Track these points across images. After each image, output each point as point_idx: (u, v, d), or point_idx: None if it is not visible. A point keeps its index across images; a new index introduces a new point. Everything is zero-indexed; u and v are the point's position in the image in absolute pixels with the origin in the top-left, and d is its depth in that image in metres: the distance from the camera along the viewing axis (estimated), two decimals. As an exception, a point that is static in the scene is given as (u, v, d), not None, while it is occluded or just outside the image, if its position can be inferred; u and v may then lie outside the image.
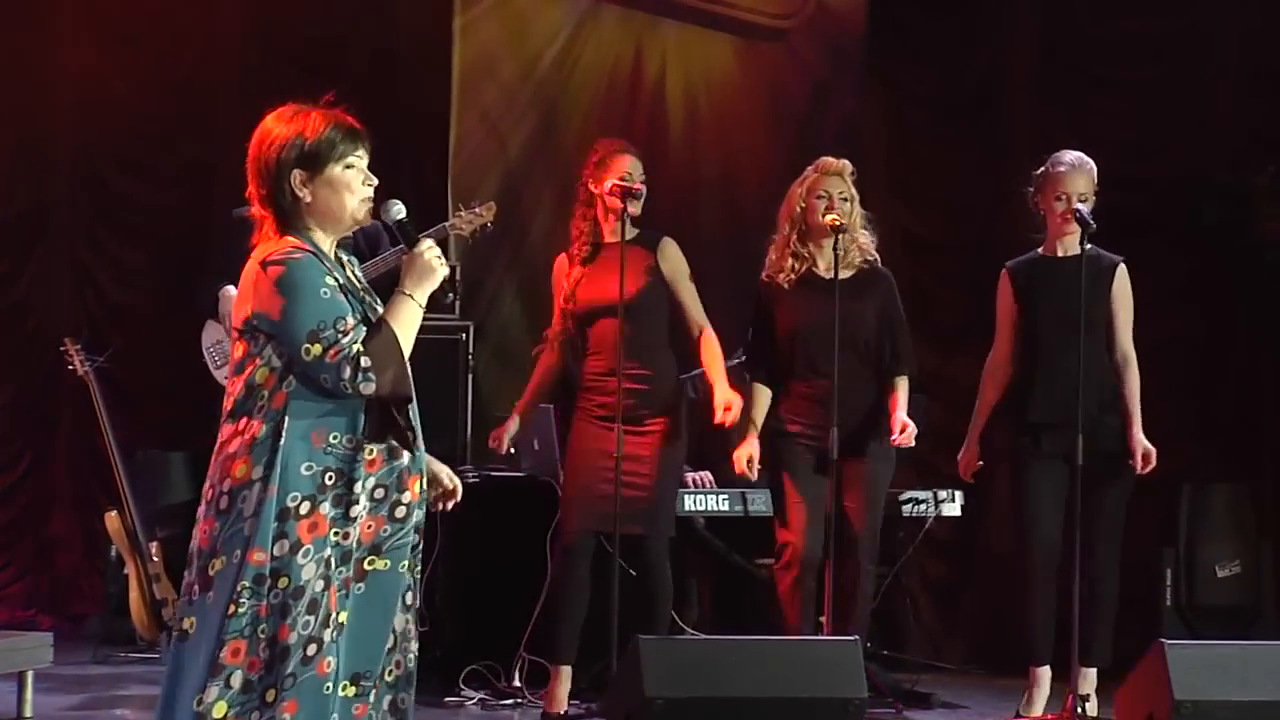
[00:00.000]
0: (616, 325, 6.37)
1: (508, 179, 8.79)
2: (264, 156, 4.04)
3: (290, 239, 3.99)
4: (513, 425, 6.66)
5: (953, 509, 7.40)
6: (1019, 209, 6.84)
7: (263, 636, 3.90)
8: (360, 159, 4.05)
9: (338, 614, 3.94)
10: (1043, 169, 6.63)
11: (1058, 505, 6.53)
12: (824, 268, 6.53)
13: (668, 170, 8.69)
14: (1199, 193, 8.52)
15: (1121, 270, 6.64)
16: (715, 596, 7.55)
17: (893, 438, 6.42)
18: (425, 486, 4.10)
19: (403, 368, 3.93)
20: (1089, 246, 6.47)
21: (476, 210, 6.96)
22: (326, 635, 3.92)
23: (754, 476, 6.47)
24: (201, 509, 3.97)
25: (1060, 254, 6.67)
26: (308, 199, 4.01)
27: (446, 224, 7.09)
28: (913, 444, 6.44)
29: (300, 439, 3.92)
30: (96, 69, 8.83)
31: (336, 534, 3.93)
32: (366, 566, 3.98)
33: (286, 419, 3.91)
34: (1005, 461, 6.67)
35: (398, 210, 4.08)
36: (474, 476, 7.49)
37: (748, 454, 6.44)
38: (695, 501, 7.09)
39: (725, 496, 7.10)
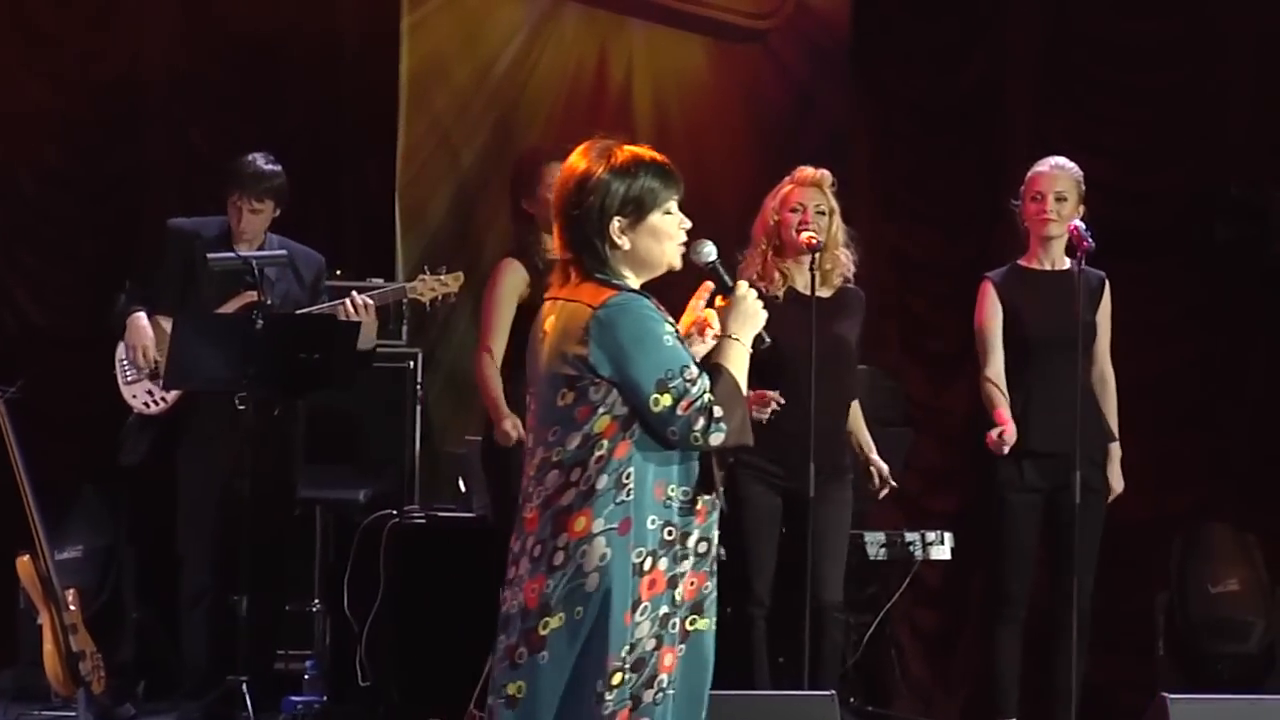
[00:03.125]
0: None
1: (460, 192, 8.75)
2: (579, 202, 4.12)
3: (618, 283, 4.10)
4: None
5: (942, 552, 7.41)
6: (1017, 225, 6.85)
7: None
8: (675, 202, 4.15)
9: (669, 678, 4.03)
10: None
11: (1034, 544, 6.61)
12: (803, 285, 6.51)
13: None
14: (1212, 207, 8.50)
15: (1107, 287, 6.75)
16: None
17: (881, 491, 6.54)
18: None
19: (745, 415, 4.03)
20: (1071, 262, 6.54)
21: (442, 278, 6.99)
22: (646, 695, 4.01)
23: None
24: (525, 566, 4.04)
25: (1048, 266, 6.70)
26: (626, 246, 4.10)
27: (405, 285, 7.08)
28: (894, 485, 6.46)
29: (646, 492, 4.01)
30: (13, 70, 8.76)
31: (674, 591, 4.04)
32: (689, 626, 4.08)
33: (632, 470, 4.00)
34: (984, 491, 6.71)
35: (709, 252, 4.17)
36: (420, 517, 7.47)
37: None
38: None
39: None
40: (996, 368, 6.69)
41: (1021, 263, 6.76)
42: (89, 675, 7.19)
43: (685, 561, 4.05)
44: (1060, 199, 6.63)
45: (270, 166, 7.22)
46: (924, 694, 8.43)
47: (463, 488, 7.54)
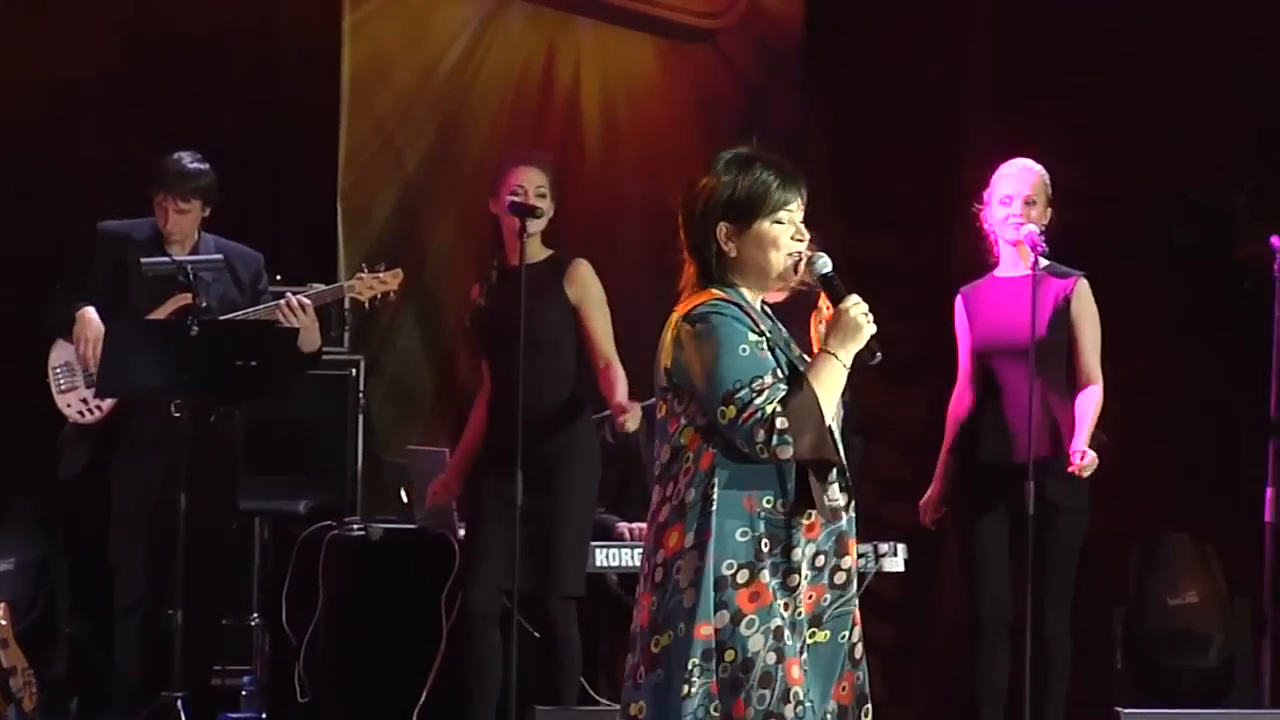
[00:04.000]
0: (517, 359, 6.39)
1: (405, 195, 8.71)
2: (691, 203, 4.17)
3: (714, 291, 4.12)
4: (454, 483, 6.74)
5: (895, 564, 7.29)
6: (976, 229, 6.84)
7: (716, 714, 4.04)
8: (792, 212, 4.16)
9: (804, 689, 4.06)
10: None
11: (1004, 558, 6.56)
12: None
13: (583, 187, 8.63)
14: (1171, 212, 8.54)
15: (1082, 286, 6.62)
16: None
17: None
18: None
19: (822, 431, 4.03)
20: (1046, 264, 6.49)
21: (380, 275, 7.00)
22: (787, 711, 4.05)
23: None
24: (641, 584, 4.15)
25: (1014, 273, 6.66)
26: (732, 253, 4.13)
27: (343, 284, 7.09)
28: None
29: (732, 503, 4.05)
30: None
31: (778, 603, 4.05)
32: (807, 639, 4.11)
33: (715, 482, 4.05)
34: (951, 508, 6.70)
35: (823, 264, 4.17)
36: (359, 529, 7.42)
37: None
38: (607, 557, 7.01)
39: (641, 551, 6.94)
40: (960, 391, 6.70)
41: (995, 272, 6.70)
42: (20, 692, 7.17)
43: (796, 576, 4.07)
44: (1029, 203, 6.58)
45: (196, 165, 7.15)
46: (879, 709, 8.30)
47: (404, 498, 7.51)
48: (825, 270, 4.18)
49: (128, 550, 7.14)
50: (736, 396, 4.02)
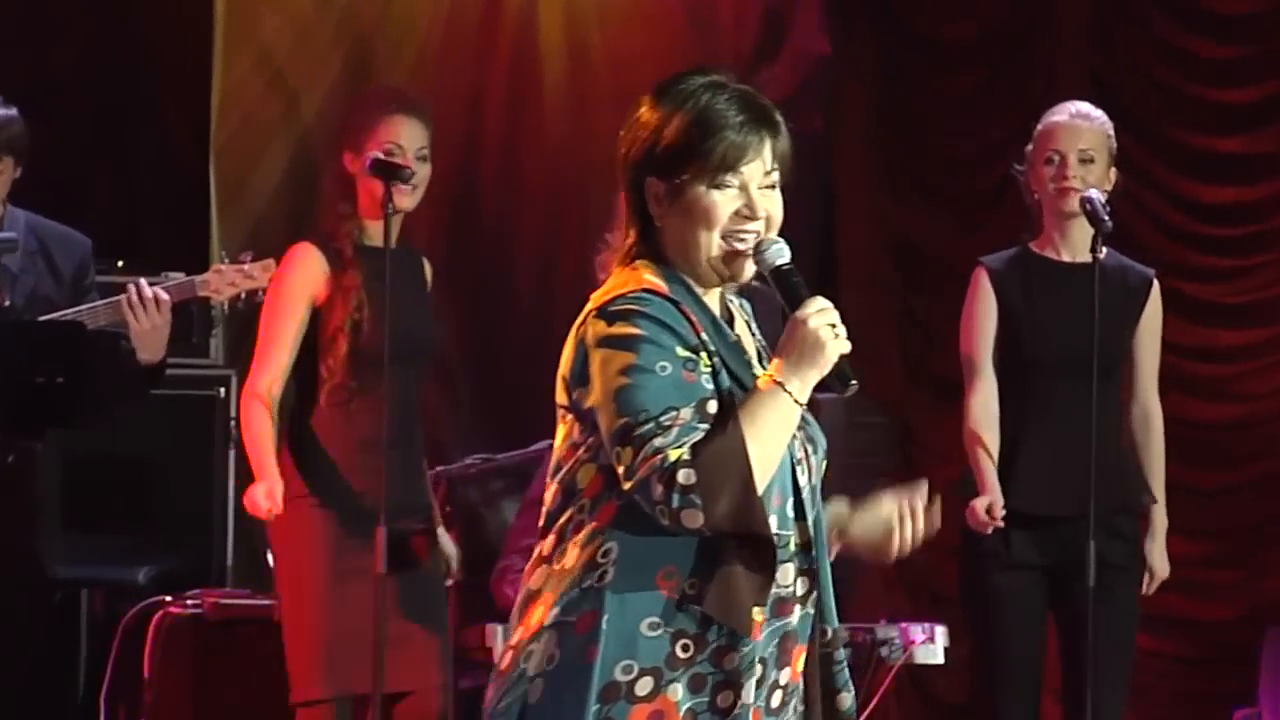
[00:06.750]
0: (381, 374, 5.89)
1: (301, 153, 8.22)
2: (623, 145, 3.67)
3: (646, 274, 3.55)
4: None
5: (933, 654, 6.67)
6: (1025, 200, 6.30)
7: None
8: (742, 175, 3.53)
9: None
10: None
11: (1038, 637, 6.06)
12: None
13: (539, 146, 8.30)
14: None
15: (1155, 289, 6.19)
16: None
17: None
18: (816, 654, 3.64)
19: (749, 493, 3.44)
20: (1105, 251, 5.89)
21: (245, 268, 6.36)
22: None
23: None
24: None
25: (1066, 257, 6.11)
26: (658, 222, 3.59)
27: (195, 279, 6.43)
28: None
29: (639, 578, 3.49)
30: None
31: None
32: None
33: (614, 545, 3.48)
34: (963, 573, 6.15)
35: (777, 252, 3.60)
36: (194, 606, 6.84)
37: None
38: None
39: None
40: (981, 400, 6.09)
41: (1033, 247, 6.15)
42: None
43: (729, 692, 3.48)
44: (1085, 160, 6.05)
45: (2, 110, 6.59)
46: None
47: (271, 561, 6.90)
48: (780, 262, 3.55)
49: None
50: (637, 434, 3.39)
